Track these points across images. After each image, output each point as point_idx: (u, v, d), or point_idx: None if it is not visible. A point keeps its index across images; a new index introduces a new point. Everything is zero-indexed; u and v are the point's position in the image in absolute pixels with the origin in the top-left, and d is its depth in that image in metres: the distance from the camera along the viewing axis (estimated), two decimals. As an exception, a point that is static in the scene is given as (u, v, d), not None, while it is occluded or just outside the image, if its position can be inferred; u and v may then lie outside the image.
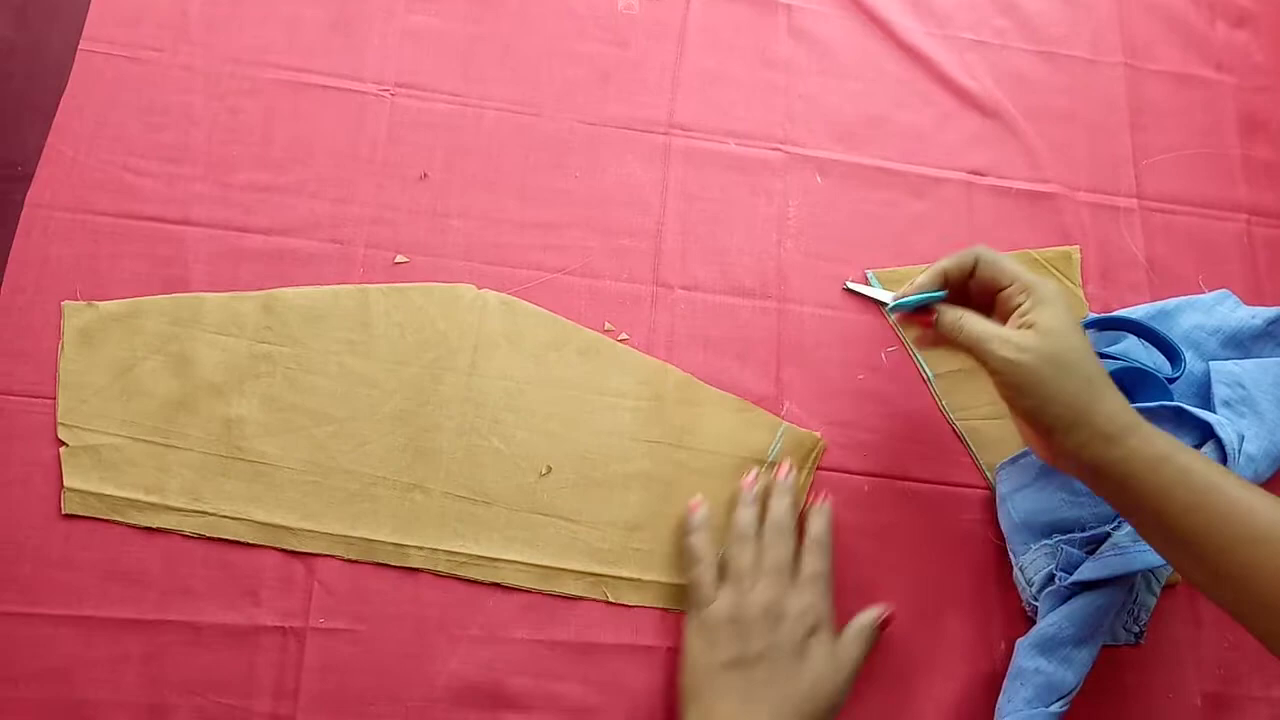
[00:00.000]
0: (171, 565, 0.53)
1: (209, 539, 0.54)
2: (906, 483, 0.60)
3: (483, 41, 0.66)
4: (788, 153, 0.67)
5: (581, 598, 0.56)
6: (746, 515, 0.57)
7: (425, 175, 0.62)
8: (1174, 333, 0.64)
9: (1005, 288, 0.53)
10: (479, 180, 0.63)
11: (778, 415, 0.61)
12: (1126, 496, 0.48)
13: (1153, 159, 0.70)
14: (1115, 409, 0.49)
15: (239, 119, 0.62)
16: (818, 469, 0.60)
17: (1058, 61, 0.72)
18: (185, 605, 0.53)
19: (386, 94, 0.64)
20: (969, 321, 0.53)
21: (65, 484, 0.54)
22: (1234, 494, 0.45)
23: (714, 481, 0.59)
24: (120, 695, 0.51)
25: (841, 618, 0.56)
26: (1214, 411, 0.62)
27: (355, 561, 0.55)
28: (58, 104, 0.60)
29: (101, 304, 0.57)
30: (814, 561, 0.56)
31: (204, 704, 0.52)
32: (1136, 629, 0.58)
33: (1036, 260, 0.66)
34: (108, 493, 0.54)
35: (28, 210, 0.58)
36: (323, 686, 0.53)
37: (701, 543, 0.56)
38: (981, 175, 0.68)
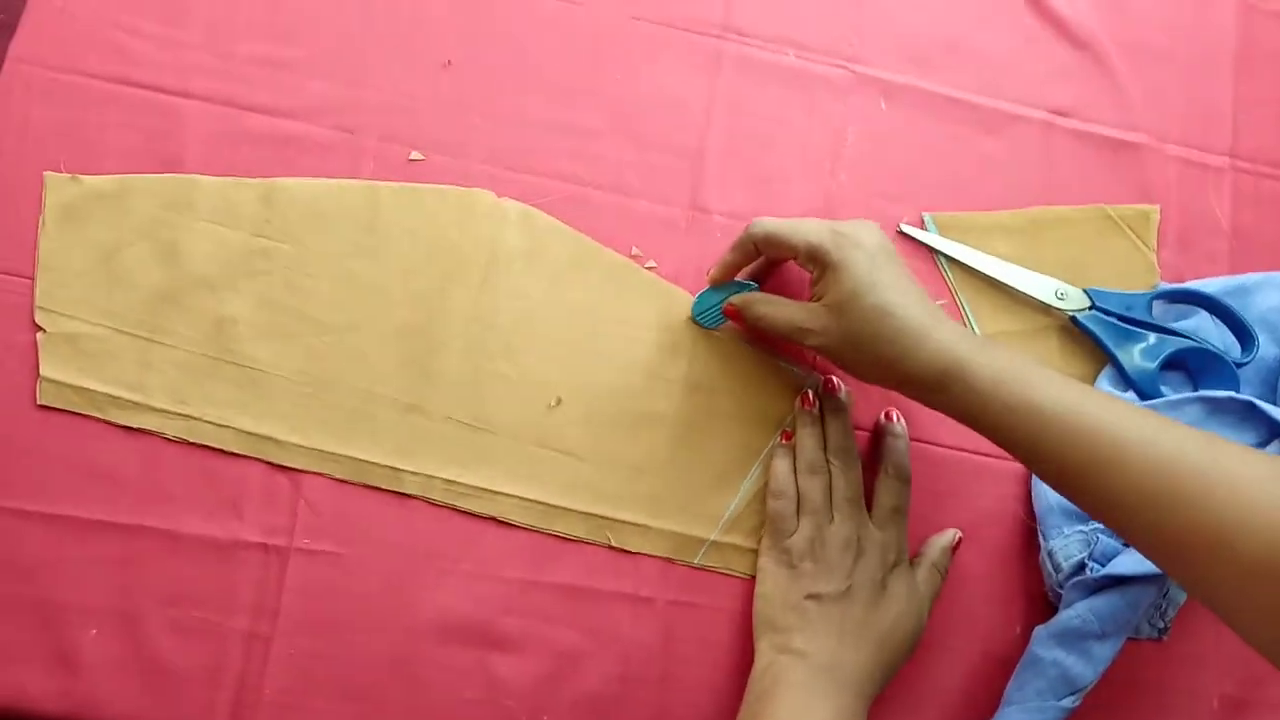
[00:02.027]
0: (150, 468, 0.50)
1: (191, 444, 0.50)
2: (937, 448, 0.56)
3: (525, -88, 0.58)
4: (853, 71, 0.59)
5: (582, 540, 0.53)
6: (811, 439, 0.53)
7: (449, 63, 0.56)
8: (1249, 312, 0.58)
9: (794, 259, 0.50)
10: (507, 73, 0.56)
11: (809, 365, 0.56)
12: (985, 435, 0.45)
13: (1254, 113, 0.63)
14: (928, 359, 0.45)
15: (245, -23, 0.55)
16: (845, 425, 0.55)
17: (1164, -9, 0.64)
18: (163, 512, 0.50)
19: (412, -37, 0.57)
20: (765, 313, 0.51)
21: (42, 373, 0.50)
22: (1075, 419, 0.42)
23: (734, 427, 0.55)
24: (90, 599, 0.49)
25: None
26: (1281, 402, 0.57)
27: (345, 482, 0.51)
28: (46, -56, 0.54)
29: (86, 179, 0.52)
30: (893, 495, 0.53)
31: (178, 616, 0.49)
32: (1162, 624, 0.55)
33: (1110, 217, 0.60)
34: (86, 386, 0.50)
35: (8, 65, 0.52)
36: (303, 609, 0.50)
37: (786, 472, 0.53)
38: (1063, 115, 0.61)
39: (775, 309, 0.50)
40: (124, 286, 0.51)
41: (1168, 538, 0.39)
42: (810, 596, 0.50)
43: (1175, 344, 0.56)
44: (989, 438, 0.45)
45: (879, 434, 0.55)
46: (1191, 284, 0.59)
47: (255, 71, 0.54)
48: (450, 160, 0.55)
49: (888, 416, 0.55)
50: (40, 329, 0.50)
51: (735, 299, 0.53)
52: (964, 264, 0.58)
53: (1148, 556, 0.42)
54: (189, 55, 0.54)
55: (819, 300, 0.48)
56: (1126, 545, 0.52)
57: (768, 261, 0.54)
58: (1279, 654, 0.38)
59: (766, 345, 0.55)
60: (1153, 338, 0.57)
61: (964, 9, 0.61)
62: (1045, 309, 0.58)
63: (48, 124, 0.52)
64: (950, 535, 0.54)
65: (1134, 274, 0.59)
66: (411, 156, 0.55)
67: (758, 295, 0.53)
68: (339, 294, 0.53)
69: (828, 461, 0.53)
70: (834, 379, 0.54)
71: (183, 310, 0.51)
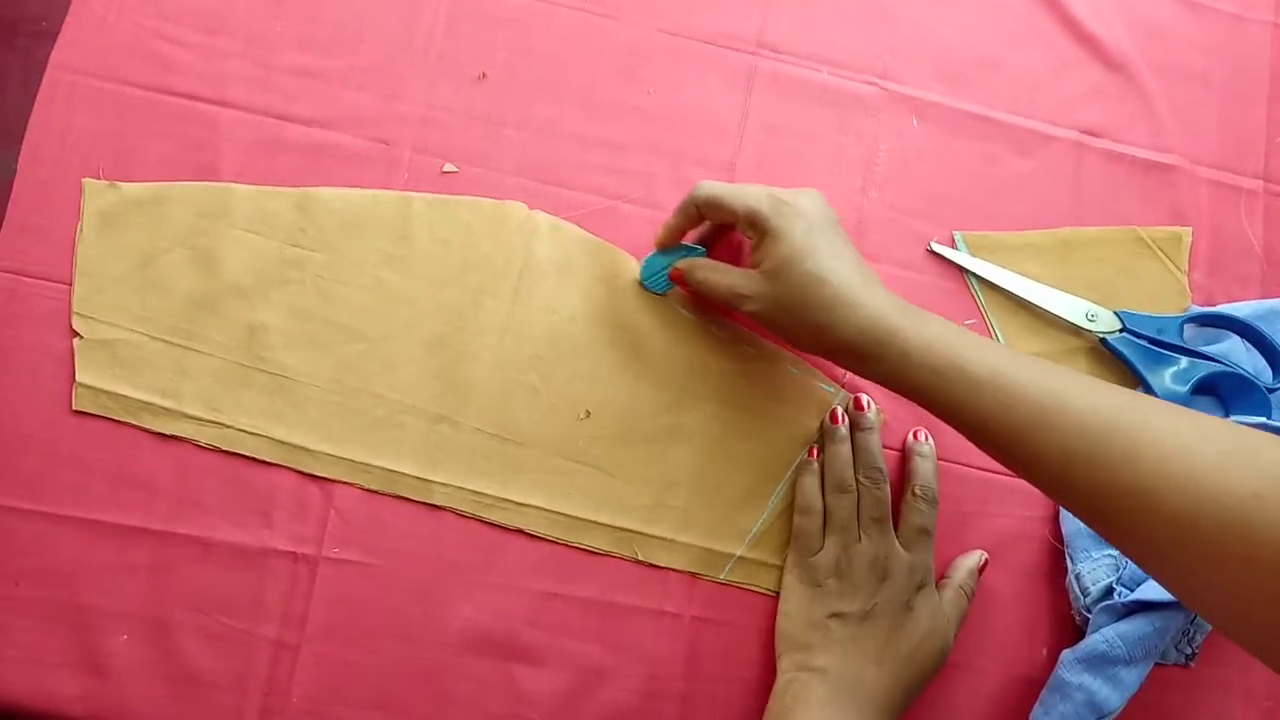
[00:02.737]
0: (183, 475, 0.50)
1: (224, 452, 0.50)
2: (966, 468, 0.55)
3: (562, -74, 0.58)
4: (885, 89, 0.59)
5: (609, 553, 0.52)
6: (839, 456, 0.52)
7: (484, 75, 0.56)
8: (1281, 336, 0.57)
9: (734, 224, 0.49)
10: (542, 87, 0.56)
11: (838, 382, 0.55)
12: (918, 402, 0.45)
13: (1289, 137, 0.62)
14: (863, 326, 0.45)
15: (285, -11, 0.55)
16: (873, 443, 0.55)
17: (1200, 12, 0.62)
18: (195, 519, 0.50)
19: (449, -24, 0.56)
20: (705, 278, 0.50)
21: (78, 379, 0.50)
22: (1004, 383, 0.42)
23: (762, 444, 0.54)
24: (123, 605, 0.49)
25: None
26: (1312, 427, 0.56)
27: (374, 492, 0.51)
28: (89, -47, 0.54)
29: (124, 186, 0.52)
30: (921, 516, 0.52)
31: (208, 623, 0.49)
32: (1189, 650, 0.54)
33: (1141, 239, 0.59)
34: (122, 392, 0.50)
35: (50, 72, 0.52)
36: (331, 618, 0.50)
37: (813, 489, 0.52)
38: (1095, 136, 0.60)
39: (716, 274, 0.50)
40: (160, 293, 0.51)
41: (1096, 494, 0.39)
42: (834, 615, 0.49)
43: (1207, 368, 0.56)
44: (921, 403, 0.45)
45: (907, 454, 0.54)
46: (1223, 307, 0.58)
47: (293, 82, 0.54)
48: (484, 172, 0.55)
49: (915, 436, 0.54)
50: (77, 334, 0.50)
51: (681, 263, 0.52)
52: (994, 284, 0.57)
53: (1077, 514, 0.42)
54: (228, 65, 0.54)
55: (757, 267, 0.48)
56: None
57: (713, 227, 0.53)
58: (1202, 605, 0.38)
59: (712, 313, 0.55)
60: (1184, 361, 0.56)
61: (997, 28, 0.61)
62: (1075, 330, 0.57)
63: (88, 131, 0.52)
64: (976, 557, 0.53)
65: (1165, 296, 0.59)
66: (445, 169, 0.54)
67: (701, 260, 0.52)
68: (371, 304, 0.52)
69: (857, 480, 0.52)
70: (863, 397, 0.53)
71: (217, 317, 0.51)
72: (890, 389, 0.46)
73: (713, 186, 0.50)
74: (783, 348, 0.55)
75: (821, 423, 0.54)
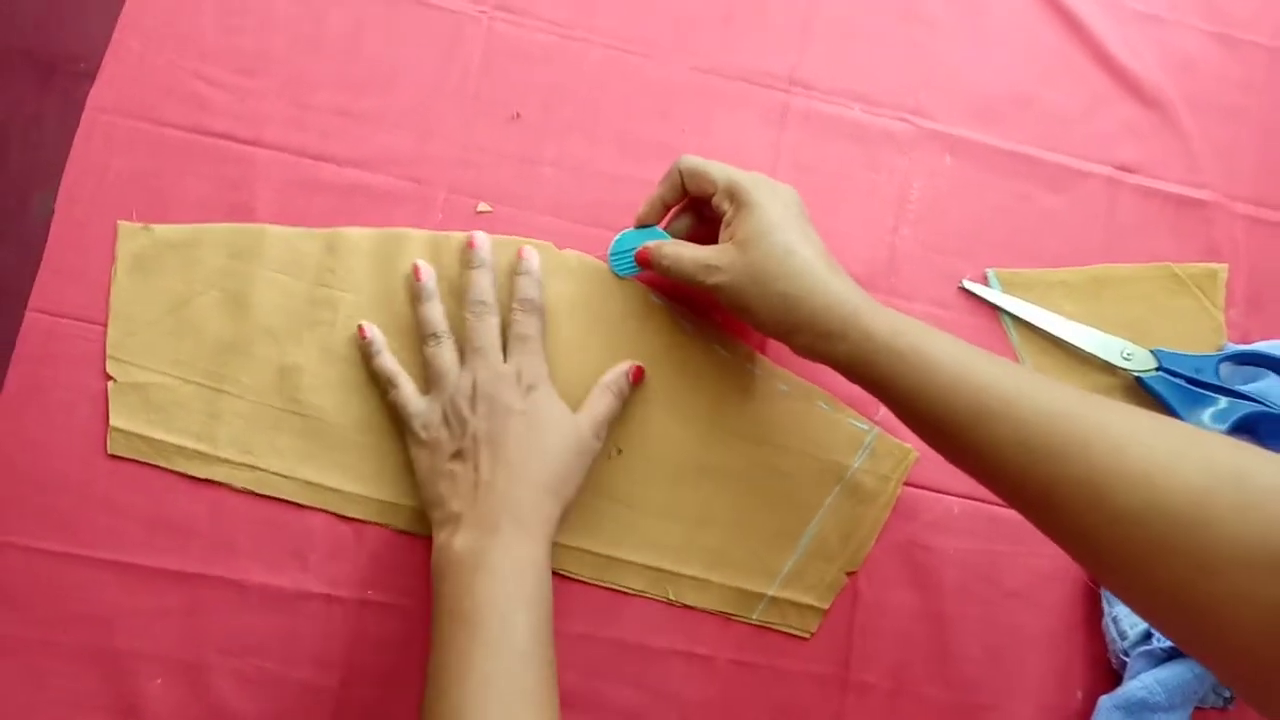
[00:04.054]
0: (218, 518, 0.49)
1: (258, 495, 0.49)
2: (1000, 509, 0.53)
3: (595, -36, 0.57)
4: (917, 126, 0.57)
5: (642, 593, 0.51)
6: (429, 311, 0.50)
7: (518, 115, 0.54)
8: (1320, 374, 0.55)
9: (713, 196, 0.48)
10: (576, 125, 0.55)
11: (871, 419, 0.53)
12: (872, 388, 0.44)
13: (1325, 172, 0.60)
14: (828, 303, 0.44)
15: (323, 30, 0.54)
16: (905, 484, 0.53)
17: (1235, 47, 0.60)
18: (230, 562, 0.48)
19: (484, 15, 0.55)
20: (671, 253, 0.49)
21: (111, 423, 0.48)
22: (963, 371, 0.41)
23: (793, 482, 0.52)
24: (159, 649, 0.47)
25: (915, 660, 0.51)
26: (1350, 468, 0.54)
27: (406, 532, 0.50)
28: (126, -7, 0.53)
29: (158, 228, 0.50)
30: (520, 325, 0.49)
31: (243, 666, 0.47)
32: (1228, 693, 0.52)
33: (1177, 275, 0.57)
34: (155, 436, 0.49)
35: (88, 114, 0.51)
36: (365, 661, 0.48)
37: (388, 364, 0.50)
38: (1129, 172, 0.58)
39: (684, 249, 0.49)
40: (192, 336, 0.50)
41: (1047, 486, 0.38)
42: (453, 457, 0.47)
43: (1245, 408, 0.54)
44: (877, 388, 0.44)
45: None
46: (1260, 345, 0.56)
47: (329, 122, 0.53)
48: (517, 212, 0.53)
49: (519, 254, 0.51)
50: (111, 378, 0.49)
51: (649, 244, 0.50)
52: (1028, 322, 0.55)
53: (1020, 509, 0.41)
54: (264, 105, 0.52)
55: (730, 240, 0.47)
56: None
57: (690, 205, 0.52)
58: (1139, 599, 0.38)
59: (673, 297, 0.53)
60: (1222, 401, 0.54)
61: (1030, 64, 0.59)
62: (1110, 369, 0.55)
63: (125, 172, 0.51)
64: (626, 365, 0.51)
65: (1201, 334, 0.57)
66: (479, 208, 0.53)
67: (668, 240, 0.51)
68: (400, 344, 0.51)
69: (463, 317, 0.50)
70: (477, 235, 0.51)
71: (249, 360, 0.50)
72: (847, 373, 0.45)
73: (695, 158, 0.49)
74: (812, 381, 0.53)
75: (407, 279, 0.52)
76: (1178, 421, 0.39)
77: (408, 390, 0.49)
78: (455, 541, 0.44)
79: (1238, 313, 0.57)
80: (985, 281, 0.56)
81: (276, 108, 0.52)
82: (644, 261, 0.51)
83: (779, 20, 0.57)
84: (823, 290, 0.44)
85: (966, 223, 0.57)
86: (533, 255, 0.51)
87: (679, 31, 0.56)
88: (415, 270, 0.51)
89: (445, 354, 0.49)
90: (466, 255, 0.51)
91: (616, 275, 0.53)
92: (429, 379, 0.50)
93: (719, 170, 0.48)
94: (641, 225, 0.52)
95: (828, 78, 0.57)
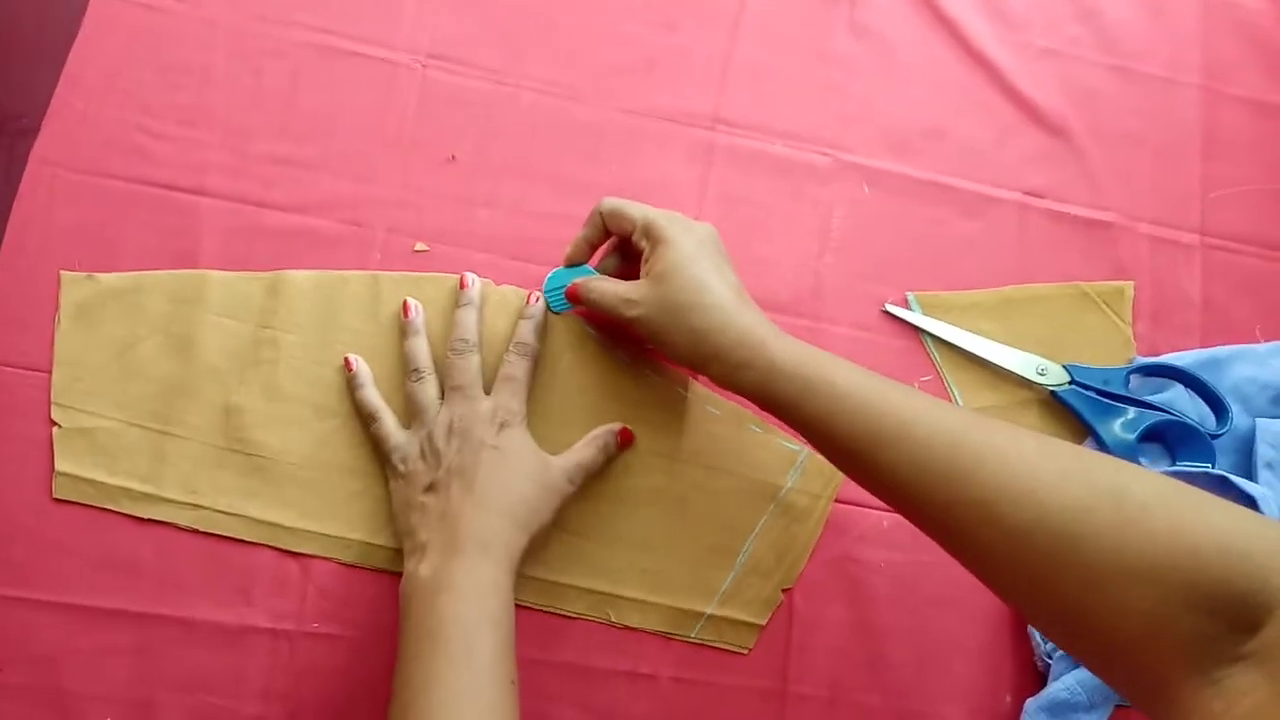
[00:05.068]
0: (164, 557, 0.49)
1: (203, 533, 0.49)
2: (927, 521, 0.55)
3: (525, 13, 0.58)
4: (836, 159, 0.59)
5: (583, 616, 0.52)
6: (415, 346, 0.51)
7: (454, 158, 0.56)
8: (1223, 382, 0.58)
9: (631, 234, 0.50)
10: (510, 167, 0.56)
11: (800, 440, 0.55)
12: (781, 415, 0.45)
13: (1221, 192, 0.62)
14: (739, 334, 0.45)
15: (261, 82, 0.55)
16: (836, 500, 0.54)
17: (1132, 78, 0.63)
18: (177, 600, 0.49)
19: (419, 65, 0.56)
20: (594, 288, 0.50)
21: (57, 468, 0.49)
22: (865, 397, 0.42)
23: (728, 502, 0.54)
24: (106, 688, 0.47)
25: (851, 670, 0.52)
26: (1255, 471, 0.56)
27: (352, 565, 0.50)
28: (68, 52, 0.54)
29: (101, 277, 0.51)
30: (509, 366, 0.51)
31: (192, 703, 0.48)
32: (1148, 691, 0.54)
33: (1086, 293, 0.59)
34: (100, 479, 0.49)
35: (32, 167, 0.52)
36: (313, 692, 0.49)
37: (371, 398, 0.51)
38: (1038, 197, 0.61)
39: (606, 284, 0.50)
40: (137, 380, 0.50)
41: (943, 506, 0.40)
42: (425, 490, 0.48)
43: (1153, 417, 0.56)
44: (783, 414, 0.45)
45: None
46: (1166, 357, 0.58)
47: (270, 170, 0.54)
48: (454, 250, 0.54)
49: (528, 300, 0.53)
50: (56, 424, 0.49)
51: (576, 280, 0.52)
52: (947, 341, 0.57)
53: (924, 528, 0.42)
54: (206, 155, 0.53)
55: (647, 276, 0.48)
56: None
57: (617, 244, 0.53)
58: (1035, 614, 0.39)
59: (605, 330, 0.54)
60: (1131, 411, 0.56)
61: (941, 98, 0.61)
62: (1027, 384, 0.57)
63: (70, 224, 0.52)
64: (618, 425, 0.53)
65: (1111, 348, 0.59)
66: (417, 248, 0.54)
67: (594, 276, 0.52)
68: (342, 381, 0.52)
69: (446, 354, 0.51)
70: (468, 276, 0.53)
71: (193, 401, 0.50)
72: (758, 401, 0.46)
73: (616, 200, 0.51)
74: (744, 406, 0.55)
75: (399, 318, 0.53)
76: (1063, 442, 0.40)
77: (389, 424, 0.50)
78: (422, 568, 0.45)
79: (1144, 327, 0.59)
80: (906, 304, 0.58)
81: (218, 157, 0.53)
82: (573, 297, 0.52)
83: (700, 63, 0.59)
84: (733, 323, 0.46)
85: (886, 249, 0.59)
86: (539, 301, 0.53)
87: (605, 76, 0.58)
88: (405, 307, 0.52)
89: (427, 390, 0.50)
90: (456, 294, 0.53)
91: (550, 311, 0.54)
92: (410, 413, 0.51)
93: (637, 210, 0.50)
94: (570, 264, 0.53)
95: (749, 116, 0.59)
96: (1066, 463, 0.38)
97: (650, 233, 0.48)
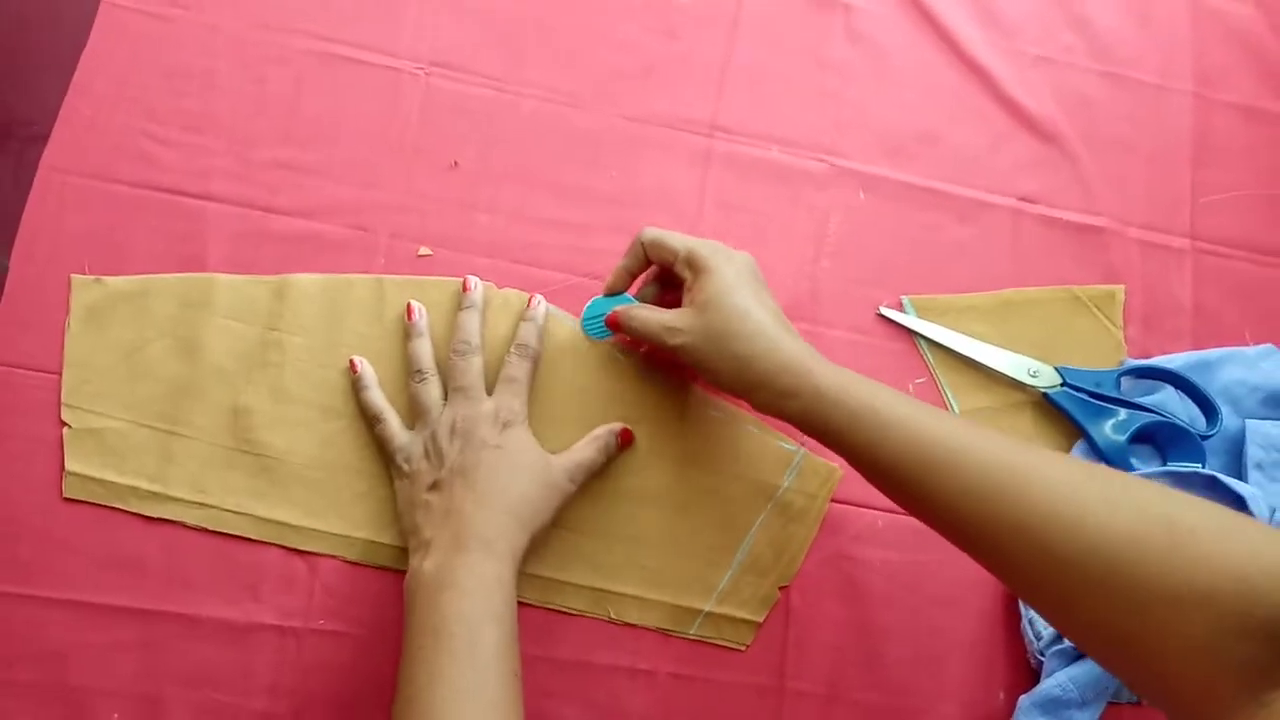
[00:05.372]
0: (172, 555, 0.50)
1: (211, 532, 0.50)
2: (922, 521, 0.56)
3: (525, 23, 0.59)
4: (833, 165, 0.60)
5: (583, 613, 0.52)
6: (419, 348, 0.52)
7: (456, 164, 0.57)
8: (1213, 385, 0.58)
9: (673, 264, 0.50)
10: (511, 173, 0.57)
11: (797, 441, 0.56)
12: (826, 442, 0.46)
13: (1211, 198, 0.63)
14: (783, 361, 0.46)
15: (265, 89, 0.56)
16: (832, 500, 0.55)
17: (1124, 84, 0.64)
18: (184, 597, 0.49)
19: (421, 73, 0.57)
20: (637, 316, 0.51)
21: (67, 467, 0.49)
22: (912, 427, 0.43)
23: (726, 502, 0.54)
24: (114, 684, 0.48)
25: (847, 667, 0.53)
26: (1245, 471, 0.57)
27: (357, 563, 0.51)
28: (77, 60, 0.54)
29: (110, 280, 0.52)
30: (511, 367, 0.52)
31: (199, 698, 0.48)
32: (1139, 689, 0.54)
33: (1078, 297, 0.60)
34: (109, 479, 0.50)
35: (41, 173, 0.53)
36: (319, 688, 0.49)
37: (376, 400, 0.52)
38: (1031, 203, 0.61)
39: (649, 312, 0.51)
40: (145, 382, 0.51)
41: (992, 534, 0.40)
42: (431, 489, 0.48)
43: (1143, 419, 0.57)
44: (829, 441, 0.46)
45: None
46: (1157, 360, 0.59)
47: (275, 175, 0.55)
48: (457, 255, 0.55)
49: (529, 304, 0.54)
50: (65, 425, 0.50)
51: (618, 308, 0.53)
52: (941, 344, 0.58)
53: (971, 553, 0.43)
54: (212, 161, 0.54)
55: (690, 304, 0.49)
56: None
57: (656, 274, 0.54)
58: (1083, 637, 0.40)
59: (644, 357, 0.55)
60: (1122, 413, 0.57)
61: (936, 105, 0.62)
62: (1019, 386, 0.58)
63: (78, 229, 0.52)
64: (617, 425, 0.53)
65: (1102, 351, 0.60)
66: (420, 252, 0.55)
67: (636, 304, 0.53)
68: (348, 383, 0.53)
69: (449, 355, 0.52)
70: (470, 279, 0.54)
71: (201, 402, 0.51)
72: (803, 428, 0.46)
73: (656, 230, 0.51)
74: (741, 407, 0.55)
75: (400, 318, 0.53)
76: (1110, 469, 0.41)
77: (393, 425, 0.51)
78: (425, 565, 0.46)
79: (1136, 330, 0.60)
80: (901, 308, 0.59)
81: (223, 163, 0.54)
82: (614, 325, 0.53)
83: (698, 71, 0.60)
84: (777, 350, 0.46)
85: (882, 253, 0.59)
86: (540, 304, 0.54)
87: (604, 83, 0.59)
88: (409, 310, 0.53)
89: (430, 391, 0.51)
90: (459, 297, 0.54)
91: (589, 338, 0.55)
92: (414, 414, 0.51)
93: (678, 240, 0.50)
94: (611, 293, 0.54)
95: (747, 122, 0.60)
96: (1115, 490, 0.38)
97: (693, 262, 0.49)
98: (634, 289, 0.54)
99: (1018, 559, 0.40)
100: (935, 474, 0.42)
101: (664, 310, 0.50)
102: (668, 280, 0.53)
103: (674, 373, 0.55)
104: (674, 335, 0.48)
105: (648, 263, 0.53)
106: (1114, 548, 0.36)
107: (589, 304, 0.55)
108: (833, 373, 0.46)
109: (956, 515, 0.42)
